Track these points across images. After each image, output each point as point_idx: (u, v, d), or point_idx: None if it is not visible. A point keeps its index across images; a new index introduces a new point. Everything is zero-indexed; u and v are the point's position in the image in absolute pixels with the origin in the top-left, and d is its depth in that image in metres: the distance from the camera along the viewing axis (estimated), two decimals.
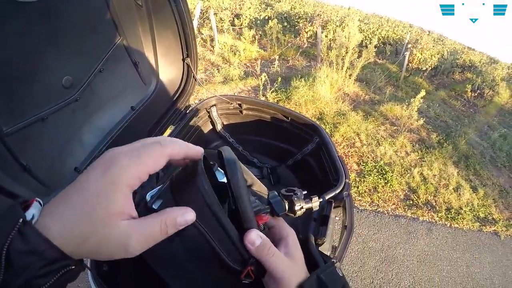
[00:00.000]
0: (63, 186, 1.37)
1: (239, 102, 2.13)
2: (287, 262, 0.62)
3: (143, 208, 1.31)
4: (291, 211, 1.07)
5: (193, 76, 1.95)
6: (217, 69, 6.76)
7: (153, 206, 1.22)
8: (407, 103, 6.26)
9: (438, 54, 10.24)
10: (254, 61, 7.31)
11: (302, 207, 1.09)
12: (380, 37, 11.34)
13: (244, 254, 0.62)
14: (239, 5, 10.10)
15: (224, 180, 0.75)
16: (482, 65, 12.56)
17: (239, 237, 0.60)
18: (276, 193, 1.11)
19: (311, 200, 1.18)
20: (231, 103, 2.13)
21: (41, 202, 0.44)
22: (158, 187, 1.35)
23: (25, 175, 1.16)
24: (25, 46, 1.10)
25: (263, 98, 5.56)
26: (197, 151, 0.57)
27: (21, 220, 0.39)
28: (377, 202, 4.25)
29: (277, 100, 5.67)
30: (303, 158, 2.11)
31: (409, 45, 10.08)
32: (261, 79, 5.51)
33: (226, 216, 0.59)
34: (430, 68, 9.48)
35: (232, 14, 9.36)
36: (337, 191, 1.51)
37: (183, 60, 1.89)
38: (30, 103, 1.19)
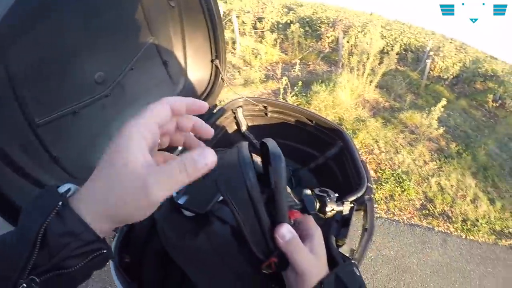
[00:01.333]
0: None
1: (264, 105, 2.17)
2: (312, 258, 0.64)
3: (169, 203, 1.36)
4: (321, 211, 1.12)
5: (221, 78, 1.99)
6: (238, 72, 6.83)
7: (179, 202, 1.29)
8: (427, 112, 6.21)
9: (460, 62, 10.10)
10: (275, 65, 7.36)
11: (333, 209, 1.16)
12: (402, 44, 11.25)
13: (270, 246, 0.62)
14: (262, 8, 10.16)
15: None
16: (504, 74, 12.31)
17: (270, 228, 0.62)
18: (310, 191, 1.14)
19: (343, 204, 1.23)
20: (257, 105, 2.18)
21: (72, 187, 0.46)
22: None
23: (54, 166, 1.21)
24: (63, 43, 1.16)
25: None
26: (201, 104, 0.54)
27: (60, 202, 0.41)
28: (393, 210, 4.26)
29: (297, 104, 5.69)
30: (325, 162, 2.14)
31: (431, 53, 9.99)
32: (282, 82, 5.55)
33: (263, 206, 0.60)
34: (452, 76, 9.36)
35: (254, 17, 9.42)
36: (359, 194, 1.54)
37: (212, 61, 1.93)
38: (63, 96, 1.25)
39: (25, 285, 0.40)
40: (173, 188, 0.43)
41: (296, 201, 1.18)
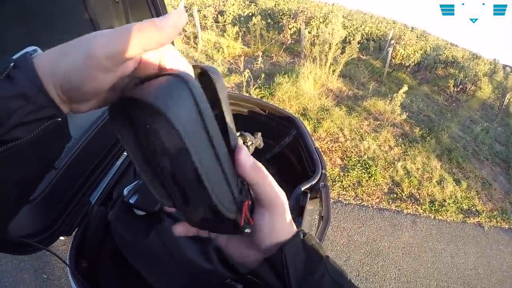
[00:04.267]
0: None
1: None
2: (278, 187, 0.48)
3: (121, 203, 1.32)
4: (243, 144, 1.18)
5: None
6: None
7: (130, 201, 1.29)
8: (390, 98, 6.30)
9: (421, 50, 10.30)
10: (237, 58, 7.26)
11: (252, 143, 1.28)
12: (364, 33, 11.39)
13: (235, 190, 0.42)
14: (223, 1, 10.04)
15: None
16: (464, 60, 12.66)
17: (230, 160, 0.42)
18: None
19: (255, 137, 1.36)
20: None
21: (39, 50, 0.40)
22: (135, 182, 1.38)
23: None
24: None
25: (246, 95, 5.53)
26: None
27: (12, 64, 0.35)
28: (361, 196, 4.25)
29: (261, 97, 5.63)
30: (281, 151, 2.12)
31: (392, 41, 10.13)
32: (244, 75, 5.47)
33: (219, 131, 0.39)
34: (413, 63, 9.53)
35: (215, 11, 9.30)
36: (313, 182, 1.52)
37: None
38: None
39: None
40: (122, 49, 0.35)
41: None
